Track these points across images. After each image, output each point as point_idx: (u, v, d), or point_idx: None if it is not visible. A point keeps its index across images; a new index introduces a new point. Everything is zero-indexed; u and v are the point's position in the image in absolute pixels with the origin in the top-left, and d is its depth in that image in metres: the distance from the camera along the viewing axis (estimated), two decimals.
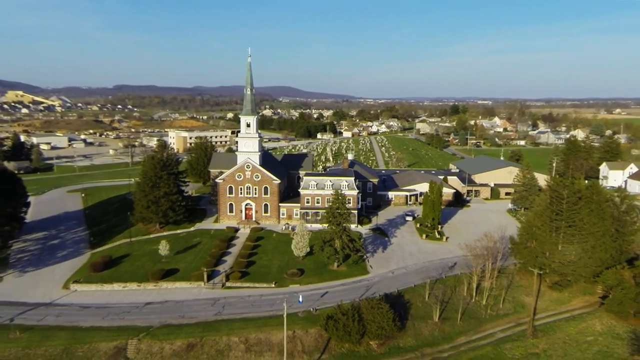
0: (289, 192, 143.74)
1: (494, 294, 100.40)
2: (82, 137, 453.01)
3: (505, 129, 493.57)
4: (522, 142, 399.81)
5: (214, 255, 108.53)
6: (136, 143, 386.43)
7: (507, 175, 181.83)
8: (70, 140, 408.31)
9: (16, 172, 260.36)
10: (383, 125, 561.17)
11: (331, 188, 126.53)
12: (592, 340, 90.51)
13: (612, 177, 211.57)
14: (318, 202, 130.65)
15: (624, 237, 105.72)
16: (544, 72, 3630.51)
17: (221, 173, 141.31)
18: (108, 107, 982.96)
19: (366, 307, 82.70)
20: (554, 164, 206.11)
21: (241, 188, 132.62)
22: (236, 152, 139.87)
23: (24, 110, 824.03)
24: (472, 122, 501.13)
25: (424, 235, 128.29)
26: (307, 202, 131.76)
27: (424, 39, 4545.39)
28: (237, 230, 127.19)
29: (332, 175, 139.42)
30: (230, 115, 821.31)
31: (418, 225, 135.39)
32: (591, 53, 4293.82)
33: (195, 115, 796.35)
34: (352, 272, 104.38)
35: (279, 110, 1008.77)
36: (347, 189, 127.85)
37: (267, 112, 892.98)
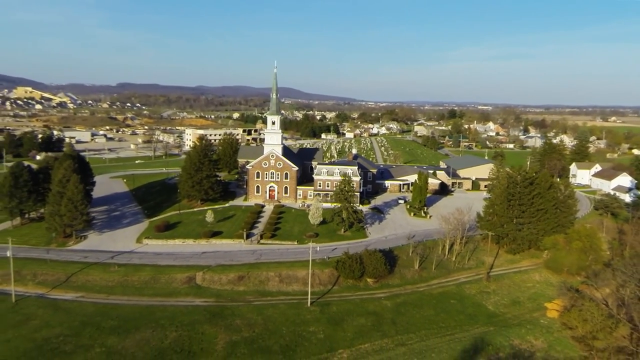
0: (304, 178, 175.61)
1: (461, 254, 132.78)
2: (101, 132, 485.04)
3: (497, 133, 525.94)
4: (511, 145, 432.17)
5: (248, 222, 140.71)
6: (153, 139, 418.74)
7: (487, 170, 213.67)
8: (92, 135, 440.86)
9: (35, 166, 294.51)
10: (383, 128, 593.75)
11: (339, 174, 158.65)
12: (531, 286, 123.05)
13: (580, 175, 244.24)
14: (328, 186, 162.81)
15: (562, 214, 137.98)
16: (545, 79, 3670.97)
17: (247, 162, 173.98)
18: (117, 105, 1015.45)
19: (366, 255, 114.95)
20: (528, 163, 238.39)
21: (266, 173, 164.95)
22: (263, 145, 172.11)
23: (38, 106, 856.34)
24: (467, 126, 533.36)
25: (412, 214, 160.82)
26: (320, 186, 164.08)
27: (427, 43, 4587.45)
28: (263, 206, 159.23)
29: (340, 164, 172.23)
30: (236, 115, 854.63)
31: (408, 206, 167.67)
32: (592, 61, 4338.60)
33: (203, 115, 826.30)
34: (355, 235, 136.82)
35: (283, 112, 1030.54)
36: (352, 175, 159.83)
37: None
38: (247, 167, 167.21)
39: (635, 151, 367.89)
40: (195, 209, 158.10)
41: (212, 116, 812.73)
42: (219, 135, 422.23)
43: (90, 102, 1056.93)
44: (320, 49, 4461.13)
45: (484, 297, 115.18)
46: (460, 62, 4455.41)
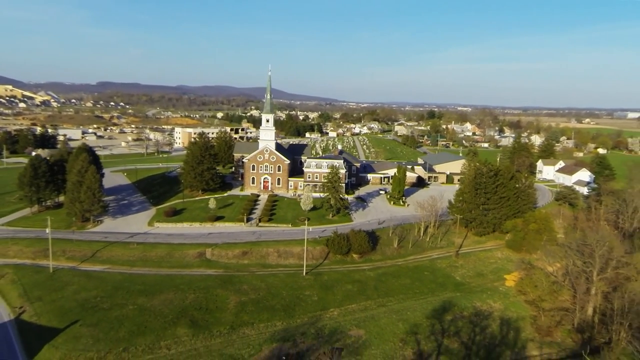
0: (294, 171, 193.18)
1: (435, 236, 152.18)
2: (90, 130, 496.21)
3: (474, 133, 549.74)
4: (486, 145, 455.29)
5: (246, 208, 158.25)
6: (144, 137, 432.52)
7: (460, 166, 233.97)
8: (83, 133, 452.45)
9: (49, 158, 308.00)
10: (365, 127, 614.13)
11: (326, 167, 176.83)
12: (493, 262, 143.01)
13: (545, 171, 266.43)
14: (317, 178, 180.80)
15: (522, 201, 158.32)
16: (525, 82, 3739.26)
17: (242, 157, 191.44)
18: (101, 104, 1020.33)
19: (352, 234, 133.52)
20: (498, 159, 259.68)
21: (261, 166, 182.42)
22: (258, 140, 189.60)
23: (22, 105, 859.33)
24: (445, 127, 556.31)
25: (391, 202, 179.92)
26: (309, 177, 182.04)
27: (410, 45, 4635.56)
28: (258, 196, 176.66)
29: (327, 158, 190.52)
30: (220, 114, 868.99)
31: (388, 196, 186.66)
32: (572, 64, 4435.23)
33: (188, 114, 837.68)
34: (341, 220, 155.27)
35: None
36: (339, 167, 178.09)
37: (255, 112, 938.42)
38: (244, 160, 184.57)
39: (601, 150, 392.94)
40: (197, 198, 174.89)
41: (197, 115, 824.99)
42: (212, 133, 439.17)
43: (73, 100, 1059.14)
44: (302, 50, 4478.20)
45: (453, 270, 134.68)
46: (443, 64, 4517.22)
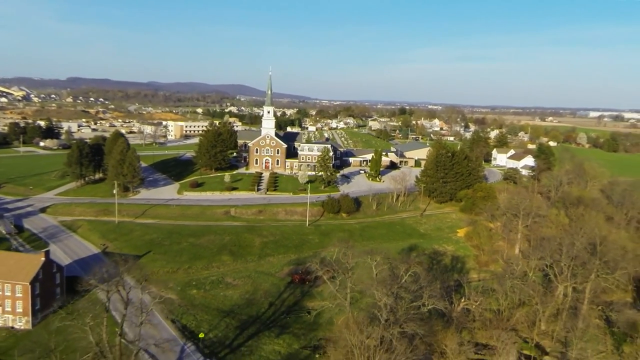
0: (288, 154, 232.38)
1: (404, 202, 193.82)
2: (84, 124, 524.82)
3: (441, 128, 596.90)
4: (452, 138, 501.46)
5: (254, 182, 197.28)
6: (141, 130, 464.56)
7: (426, 152, 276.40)
8: (79, 126, 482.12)
9: (56, 147, 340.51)
10: (341, 123, 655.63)
11: (317, 150, 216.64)
12: (449, 221, 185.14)
13: (499, 158, 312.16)
14: (309, 159, 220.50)
15: (472, 176, 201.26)
16: (494, 82, 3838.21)
17: (245, 143, 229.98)
18: (81, 99, 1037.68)
19: (341, 198, 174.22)
20: (459, 148, 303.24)
21: (263, 149, 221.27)
22: (260, 129, 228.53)
23: (3, 99, 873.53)
24: (415, 122, 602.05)
25: (370, 179, 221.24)
26: (303, 159, 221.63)
27: (382, 43, 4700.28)
28: (261, 174, 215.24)
29: (317, 143, 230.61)
30: (200, 110, 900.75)
31: (367, 175, 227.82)
32: (539, 64, 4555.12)
33: (170, 110, 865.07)
34: (331, 190, 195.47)
35: (242, 108, 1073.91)
36: (328, 150, 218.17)
37: (233, 108, 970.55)
38: (249, 145, 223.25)
39: (551, 143, 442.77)
40: (211, 175, 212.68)
41: (179, 111, 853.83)
42: (203, 126, 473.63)
43: (53, 96, 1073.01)
44: (273, 47, 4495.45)
45: (418, 225, 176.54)
46: (414, 63, 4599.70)
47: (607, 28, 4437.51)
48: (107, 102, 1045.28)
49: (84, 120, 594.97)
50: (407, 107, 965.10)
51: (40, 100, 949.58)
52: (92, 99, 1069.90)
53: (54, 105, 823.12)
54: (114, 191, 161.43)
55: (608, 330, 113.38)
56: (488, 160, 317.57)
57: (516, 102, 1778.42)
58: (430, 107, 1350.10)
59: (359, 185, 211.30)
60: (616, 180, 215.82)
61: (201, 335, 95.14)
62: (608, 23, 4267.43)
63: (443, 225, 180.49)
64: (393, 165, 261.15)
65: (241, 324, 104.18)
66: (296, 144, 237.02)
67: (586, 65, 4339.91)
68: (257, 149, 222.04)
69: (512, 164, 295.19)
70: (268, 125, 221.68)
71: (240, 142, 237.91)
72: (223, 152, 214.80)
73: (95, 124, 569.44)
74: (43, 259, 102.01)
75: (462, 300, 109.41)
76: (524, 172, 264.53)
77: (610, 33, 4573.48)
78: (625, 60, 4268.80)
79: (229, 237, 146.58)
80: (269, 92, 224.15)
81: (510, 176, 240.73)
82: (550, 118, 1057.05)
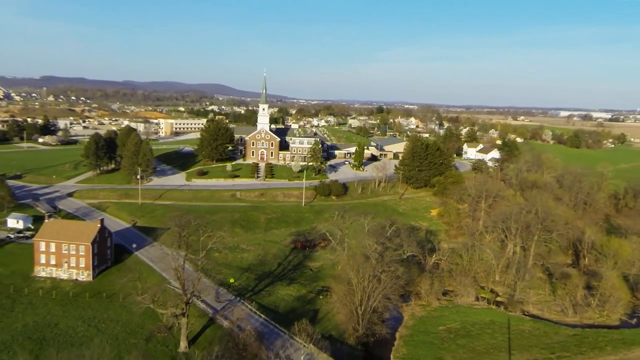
0: (281, 147, 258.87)
1: (385, 188, 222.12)
2: (74, 121, 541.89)
3: (417, 126, 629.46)
4: (427, 135, 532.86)
5: (253, 170, 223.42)
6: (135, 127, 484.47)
7: (403, 146, 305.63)
8: (70, 123, 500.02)
9: (55, 143, 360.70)
10: (322, 121, 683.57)
11: (307, 143, 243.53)
12: (424, 203, 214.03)
13: (470, 152, 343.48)
14: (300, 151, 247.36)
15: (444, 165, 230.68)
16: (469, 82, 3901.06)
17: (241, 137, 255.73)
18: (62, 98, 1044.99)
19: (331, 183, 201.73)
20: (432, 141, 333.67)
21: (259, 142, 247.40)
22: (256, 124, 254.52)
23: None
24: (392, 120, 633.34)
25: (354, 168, 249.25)
26: (294, 151, 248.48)
27: (357, 43, 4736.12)
28: (257, 164, 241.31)
29: (307, 137, 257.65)
30: (181, 108, 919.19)
31: (351, 165, 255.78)
32: (514, 65, 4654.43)
33: (153, 109, 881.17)
34: (321, 177, 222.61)
35: (223, 107, 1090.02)
36: (318, 142, 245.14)
37: (214, 107, 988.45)
38: (246, 138, 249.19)
39: (518, 139, 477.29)
40: (213, 165, 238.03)
41: (162, 109, 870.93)
42: (192, 124, 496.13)
43: (34, 95, 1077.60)
44: (251, 46, 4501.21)
45: (397, 206, 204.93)
46: (390, 62, 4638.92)
47: (574, 30, 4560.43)
48: (88, 100, 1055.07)
49: (71, 118, 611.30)
50: (384, 107, 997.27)
51: (22, 98, 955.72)
52: (73, 97, 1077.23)
53: (36, 104, 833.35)
54: (138, 176, 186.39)
55: (548, 281, 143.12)
56: (460, 154, 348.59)
57: (490, 102, 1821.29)
58: (406, 106, 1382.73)
59: (345, 173, 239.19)
60: (568, 169, 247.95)
61: (231, 281, 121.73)
62: (575, 25, 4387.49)
63: (419, 206, 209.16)
64: (374, 158, 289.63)
65: (258, 277, 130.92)
66: (287, 138, 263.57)
67: (556, 67, 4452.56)
68: (253, 142, 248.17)
69: (481, 156, 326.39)
70: (263, 121, 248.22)
71: (237, 136, 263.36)
72: (223, 145, 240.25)
73: (83, 122, 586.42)
74: (99, 225, 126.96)
75: (434, 256, 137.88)
76: (490, 163, 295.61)
77: (577, 35, 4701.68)
78: (594, 61, 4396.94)
79: (238, 214, 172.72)
80: (264, 91, 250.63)
81: (478, 167, 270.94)
82: (522, 117, 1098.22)
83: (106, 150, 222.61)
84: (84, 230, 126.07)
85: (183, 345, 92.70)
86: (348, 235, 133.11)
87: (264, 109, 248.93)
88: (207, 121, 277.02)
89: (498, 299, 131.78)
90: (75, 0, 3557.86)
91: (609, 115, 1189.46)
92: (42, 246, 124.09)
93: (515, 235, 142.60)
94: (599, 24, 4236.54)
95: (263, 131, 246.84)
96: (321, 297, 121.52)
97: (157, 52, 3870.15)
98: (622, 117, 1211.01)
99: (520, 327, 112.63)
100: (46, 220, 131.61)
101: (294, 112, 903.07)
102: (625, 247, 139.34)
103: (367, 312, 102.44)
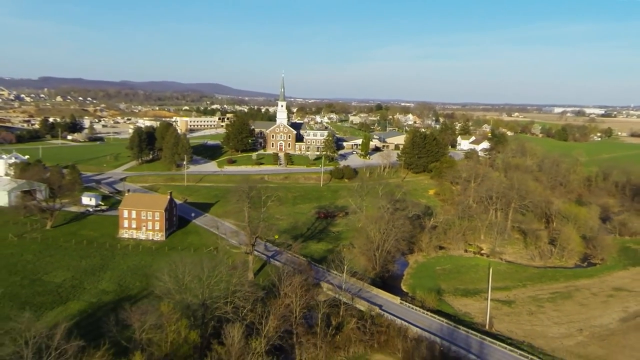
0: (297, 139, 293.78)
1: (389, 172, 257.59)
2: (94, 121, 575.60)
3: (415, 122, 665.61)
4: (424, 130, 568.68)
5: (275, 158, 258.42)
6: (142, 125, 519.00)
7: (403, 139, 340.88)
8: (91, 122, 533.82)
9: (84, 140, 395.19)
10: (325, 117, 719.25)
11: (320, 135, 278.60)
12: (423, 185, 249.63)
13: (463, 143, 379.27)
14: (314, 142, 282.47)
15: (440, 153, 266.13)
16: (465, 79, 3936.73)
17: (261, 131, 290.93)
18: (70, 98, 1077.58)
19: (344, 168, 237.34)
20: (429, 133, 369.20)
21: (277, 135, 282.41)
22: (276, 119, 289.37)
23: None
24: (391, 117, 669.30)
25: (361, 157, 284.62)
26: (309, 142, 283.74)
27: (353, 41, 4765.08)
28: (277, 154, 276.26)
29: (320, 130, 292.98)
30: (186, 107, 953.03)
31: (359, 154, 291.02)
32: (509, 62, 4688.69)
33: (161, 108, 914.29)
34: (333, 164, 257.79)
35: (225, 106, 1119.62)
36: (331, 134, 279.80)
37: (216, 106, 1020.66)
38: (265, 132, 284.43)
39: (509, 133, 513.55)
40: (239, 155, 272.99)
41: (169, 109, 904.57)
42: (205, 122, 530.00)
43: (42, 96, 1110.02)
44: (248, 45, 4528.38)
45: (401, 187, 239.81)
46: (384, 61, 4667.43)
47: (568, 27, 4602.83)
48: (95, 101, 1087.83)
49: (85, 117, 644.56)
50: (382, 104, 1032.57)
51: (32, 99, 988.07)
52: (80, 97, 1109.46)
53: (48, 104, 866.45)
54: (184, 163, 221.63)
55: (522, 239, 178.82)
56: (454, 145, 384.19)
57: (485, 99, 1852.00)
58: (403, 104, 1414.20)
59: (354, 161, 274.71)
60: (548, 155, 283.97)
61: (276, 237, 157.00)
62: (568, 22, 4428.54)
63: (418, 187, 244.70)
64: (377, 149, 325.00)
65: (293, 237, 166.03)
66: (302, 131, 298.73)
67: (551, 64, 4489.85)
68: (273, 135, 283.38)
69: (473, 147, 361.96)
70: (282, 116, 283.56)
71: (256, 130, 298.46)
72: (247, 137, 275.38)
73: (99, 121, 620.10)
74: (169, 197, 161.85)
75: (432, 220, 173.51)
76: (481, 153, 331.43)
77: (571, 32, 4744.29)
78: (589, 58, 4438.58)
79: (270, 192, 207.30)
80: (282, 90, 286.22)
81: (470, 155, 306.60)
82: (517, 114, 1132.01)
83: (147, 142, 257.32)
84: (157, 201, 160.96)
85: (250, 275, 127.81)
86: (365, 201, 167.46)
87: (282, 106, 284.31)
88: (233, 116, 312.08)
89: (482, 252, 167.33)
90: (71, 0, 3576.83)
91: (602, 111, 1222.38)
92: (125, 213, 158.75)
93: (495, 202, 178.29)
94: (593, 21, 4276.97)
95: (282, 125, 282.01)
96: (345, 249, 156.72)
97: (153, 52, 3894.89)
98: (614, 112, 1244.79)
99: (498, 268, 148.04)
100: (126, 194, 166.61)
101: (295, 110, 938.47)
102: (583, 212, 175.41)
103: (383, 254, 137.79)
